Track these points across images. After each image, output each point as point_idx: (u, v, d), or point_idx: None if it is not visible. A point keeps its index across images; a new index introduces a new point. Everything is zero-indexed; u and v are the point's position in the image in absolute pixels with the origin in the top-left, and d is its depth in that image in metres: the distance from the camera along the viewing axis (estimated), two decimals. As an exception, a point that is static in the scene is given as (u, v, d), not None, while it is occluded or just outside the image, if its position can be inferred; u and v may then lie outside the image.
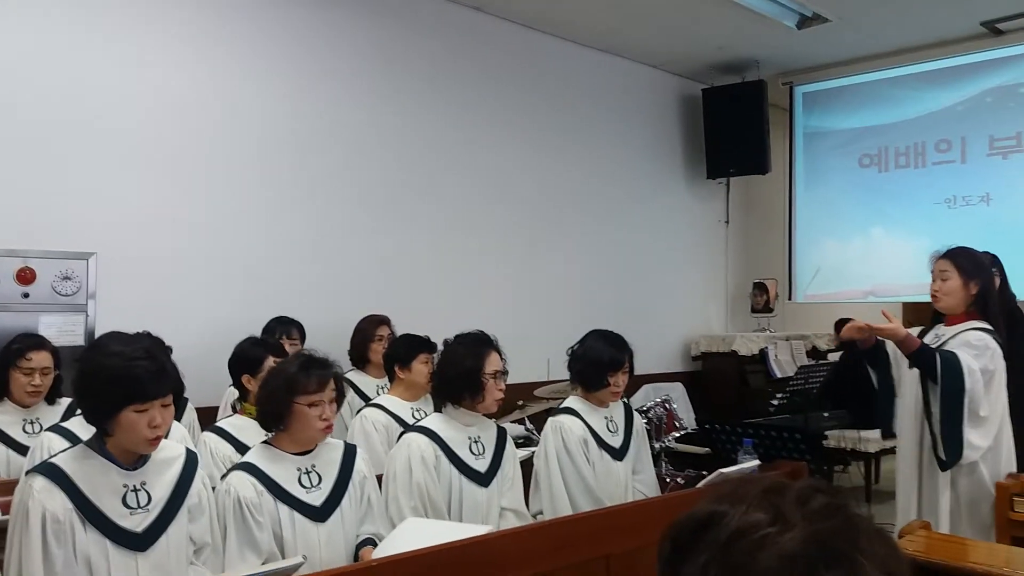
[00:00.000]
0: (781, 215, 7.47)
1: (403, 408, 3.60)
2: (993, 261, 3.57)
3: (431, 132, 5.48)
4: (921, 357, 3.07)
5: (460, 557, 2.22)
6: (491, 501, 2.88)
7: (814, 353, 7.20)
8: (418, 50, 5.44)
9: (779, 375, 6.57)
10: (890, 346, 3.25)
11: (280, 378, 2.47)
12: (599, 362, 3.12)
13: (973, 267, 3.20)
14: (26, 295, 3.93)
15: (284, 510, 2.40)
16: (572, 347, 3.23)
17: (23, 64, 3.97)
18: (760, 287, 7.37)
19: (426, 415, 3.14)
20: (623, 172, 6.69)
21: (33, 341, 3.27)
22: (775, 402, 5.33)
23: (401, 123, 5.34)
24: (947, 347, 3.14)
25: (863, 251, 6.94)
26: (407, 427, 3.08)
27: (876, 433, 5.67)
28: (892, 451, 5.85)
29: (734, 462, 3.35)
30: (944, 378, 3.01)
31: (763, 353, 6.74)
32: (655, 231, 6.93)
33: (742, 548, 0.75)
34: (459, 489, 2.82)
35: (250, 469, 2.42)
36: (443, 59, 5.56)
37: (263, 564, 2.21)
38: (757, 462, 3.10)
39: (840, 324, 6.69)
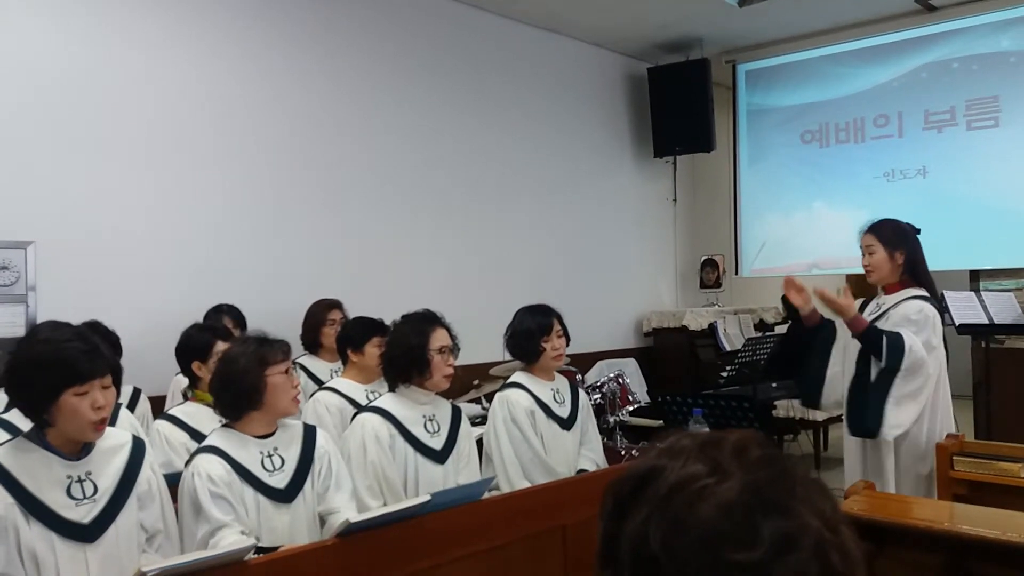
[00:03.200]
0: (727, 192, 7.58)
1: (357, 391, 3.59)
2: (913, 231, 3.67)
3: (377, 112, 5.42)
4: (868, 336, 3.15)
5: (416, 531, 2.23)
6: (447, 478, 2.89)
7: (761, 326, 7.35)
8: (362, 28, 5.37)
9: (728, 348, 6.69)
10: (840, 323, 3.34)
11: (246, 356, 2.45)
12: (529, 332, 3.24)
13: (896, 237, 3.29)
14: (-39, 287, 3.81)
15: (249, 493, 2.38)
16: (506, 329, 3.33)
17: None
18: (710, 263, 7.49)
19: (380, 397, 3.13)
20: (571, 152, 6.72)
21: None
22: (724, 374, 5.43)
23: (346, 102, 5.27)
24: (888, 316, 3.24)
25: (806, 225, 7.09)
26: (361, 409, 3.07)
27: (821, 402, 5.81)
28: (839, 419, 6.02)
29: (680, 433, 3.41)
30: (888, 358, 3.10)
31: (712, 327, 6.86)
32: (604, 210, 6.98)
33: (681, 500, 0.76)
34: (415, 467, 2.83)
35: (216, 452, 2.39)
36: (388, 38, 5.50)
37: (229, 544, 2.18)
38: (706, 430, 3.16)
39: (787, 297, 6.88)
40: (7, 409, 2.98)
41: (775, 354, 5.72)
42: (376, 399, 3.14)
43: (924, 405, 3.14)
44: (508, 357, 5.06)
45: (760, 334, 6.16)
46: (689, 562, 0.74)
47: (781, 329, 6.87)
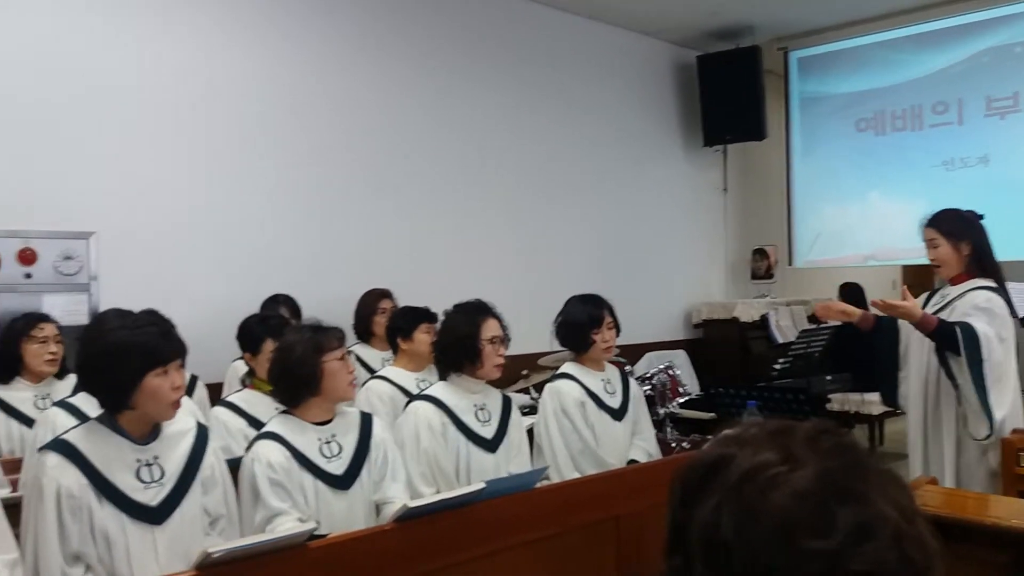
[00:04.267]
0: (779, 181, 7.45)
1: (408, 379, 3.63)
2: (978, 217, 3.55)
3: (429, 103, 5.46)
4: (942, 334, 3.03)
5: (470, 519, 2.25)
6: (498, 467, 2.91)
7: (815, 318, 7.21)
8: (415, 21, 5.40)
9: (780, 340, 6.59)
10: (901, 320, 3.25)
11: (303, 344, 2.49)
12: (579, 323, 3.21)
13: (959, 228, 3.18)
14: (28, 275, 3.94)
15: (308, 479, 2.42)
16: (556, 317, 3.30)
17: (22, 47, 3.94)
18: (760, 253, 7.38)
19: (431, 385, 3.17)
20: (620, 142, 6.67)
21: (37, 315, 3.35)
22: (777, 367, 5.35)
23: (400, 94, 5.31)
24: (954, 307, 3.13)
25: (862, 216, 6.94)
26: (412, 397, 3.11)
27: (878, 395, 5.70)
28: (895, 413, 5.90)
29: (737, 425, 3.37)
30: (967, 349, 3.01)
31: (764, 319, 6.76)
32: (654, 200, 6.92)
33: (753, 488, 0.76)
34: (466, 455, 2.85)
35: (276, 438, 2.44)
36: (440, 29, 5.53)
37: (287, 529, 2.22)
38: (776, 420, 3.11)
39: (844, 288, 6.76)
40: (74, 393, 3.10)
41: (830, 346, 5.63)
42: (427, 387, 3.17)
43: (1015, 388, 3.04)
44: (557, 347, 5.08)
45: (815, 326, 6.05)
46: (762, 549, 0.73)
47: (836, 321, 6.74)
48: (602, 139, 6.52)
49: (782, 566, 0.73)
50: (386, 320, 4.12)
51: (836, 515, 0.73)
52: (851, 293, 6.63)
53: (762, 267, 7.35)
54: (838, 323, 6.18)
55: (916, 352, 3.24)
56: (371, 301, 4.40)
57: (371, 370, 4.09)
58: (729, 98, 6.93)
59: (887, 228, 6.65)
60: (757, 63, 6.87)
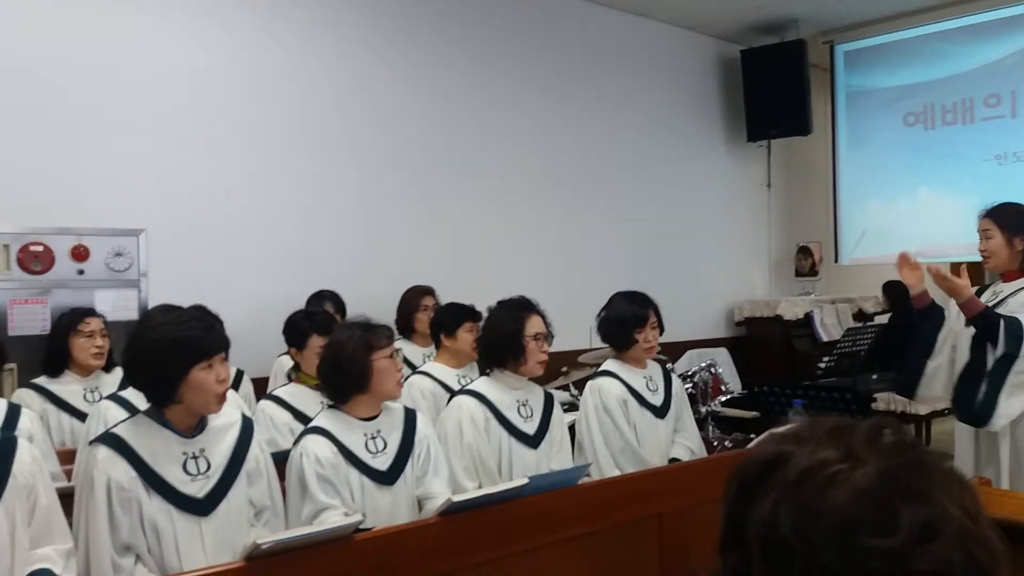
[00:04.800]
0: (824, 177, 7.33)
1: (449, 375, 3.64)
2: None
3: (469, 99, 5.47)
4: (984, 320, 2.99)
5: (513, 514, 2.25)
6: (540, 463, 2.91)
7: (860, 316, 7.09)
8: (455, 19, 5.42)
9: (825, 339, 6.49)
10: (951, 307, 3.19)
11: (353, 342, 2.51)
12: (623, 321, 3.18)
13: (1016, 222, 3.11)
14: (81, 272, 4.04)
15: (354, 474, 2.44)
16: (600, 312, 3.27)
17: (73, 47, 4.04)
18: (805, 251, 7.26)
19: (472, 382, 3.17)
20: (662, 137, 6.62)
21: (84, 309, 3.41)
22: (822, 365, 5.27)
23: (440, 91, 5.34)
24: (1005, 304, 3.08)
25: (910, 211, 6.79)
26: (454, 393, 3.12)
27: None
28: (943, 413, 5.76)
29: (783, 424, 3.33)
30: (1007, 343, 2.94)
31: (808, 317, 6.66)
32: (696, 196, 6.85)
33: (813, 486, 0.75)
34: (508, 450, 2.86)
35: (323, 433, 2.47)
36: (479, 26, 5.53)
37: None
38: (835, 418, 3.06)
39: (889, 286, 6.63)
40: (123, 387, 3.17)
41: (876, 345, 5.53)
42: (468, 383, 3.18)
43: None
44: (596, 344, 5.06)
45: (860, 324, 5.94)
46: (823, 547, 0.72)
47: (882, 319, 6.61)
48: (644, 135, 6.47)
49: (843, 565, 0.72)
50: (428, 317, 4.15)
51: (899, 513, 0.71)
52: (896, 291, 6.49)
53: (806, 264, 7.23)
54: (885, 321, 6.08)
55: (966, 342, 3.16)
56: (413, 298, 4.43)
57: (412, 366, 4.11)
58: (773, 93, 6.83)
59: (936, 224, 6.50)
60: (802, 57, 6.77)
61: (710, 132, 7.03)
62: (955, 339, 3.21)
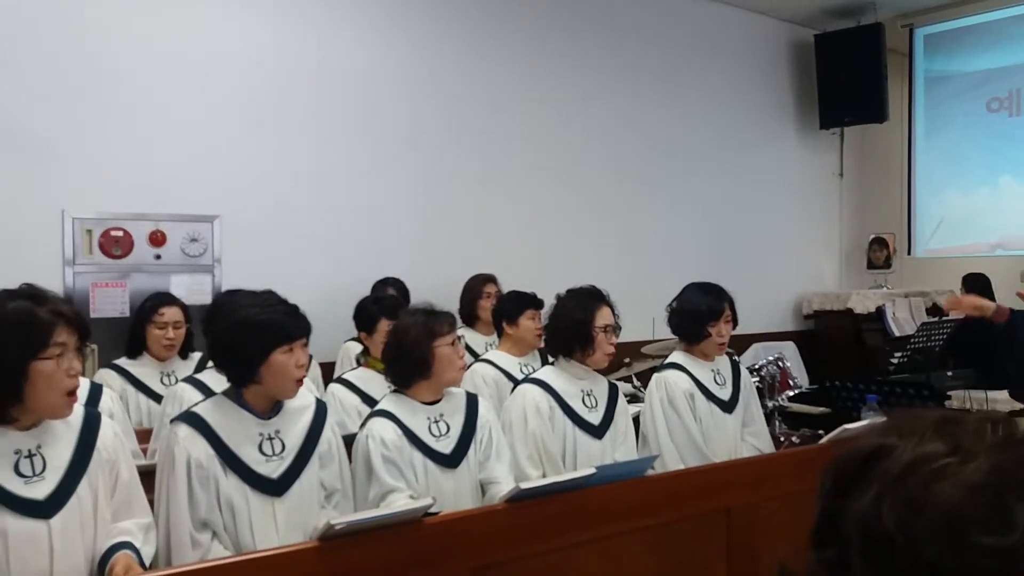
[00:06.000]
0: (899, 166, 7.10)
1: (512, 363, 3.65)
2: None
3: (537, 85, 5.45)
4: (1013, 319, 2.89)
5: (579, 503, 2.24)
6: (605, 454, 2.89)
7: (935, 310, 6.84)
8: (520, 6, 5.40)
9: (897, 334, 6.28)
10: None
11: (416, 328, 2.53)
12: (697, 313, 3.10)
13: None
14: (158, 256, 4.17)
15: (418, 457, 2.47)
16: (671, 303, 3.20)
17: (151, 39, 4.16)
18: (879, 242, 7.04)
19: (534, 371, 3.16)
20: (731, 124, 6.49)
21: (164, 298, 3.47)
22: (894, 361, 5.10)
23: (506, 77, 5.33)
24: None
25: (990, 201, 6.53)
26: (516, 382, 3.11)
27: (1004, 393, 5.37)
28: (1022, 413, 5.53)
29: (855, 420, 3.24)
30: None
31: (880, 311, 6.46)
32: (764, 184, 6.71)
33: (918, 480, 0.72)
34: (573, 440, 2.84)
35: (388, 416, 2.50)
36: (546, 14, 5.50)
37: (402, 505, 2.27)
38: (884, 418, 2.97)
39: (968, 280, 6.38)
40: (198, 370, 3.26)
41: (952, 340, 5.33)
42: (529, 373, 3.17)
43: None
44: (660, 336, 5.01)
45: (936, 319, 5.73)
46: (929, 543, 0.70)
47: (958, 314, 6.37)
48: (712, 122, 6.36)
49: (950, 562, 0.69)
50: (490, 304, 4.16)
51: (1013, 511, 0.68)
52: (976, 284, 6.23)
53: (880, 256, 7.00)
54: (962, 316, 5.86)
55: None
56: (476, 285, 4.45)
57: (475, 354, 4.13)
58: (848, 78, 6.63)
59: (1018, 215, 6.26)
60: (879, 41, 6.56)
61: (781, 120, 6.87)
62: None
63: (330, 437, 2.33)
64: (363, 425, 2.53)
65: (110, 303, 4.04)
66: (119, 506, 2.01)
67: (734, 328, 3.17)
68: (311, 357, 3.87)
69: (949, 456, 0.72)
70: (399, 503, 2.31)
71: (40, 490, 1.84)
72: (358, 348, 3.57)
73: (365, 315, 3.38)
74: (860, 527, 0.73)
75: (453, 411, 2.60)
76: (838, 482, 0.78)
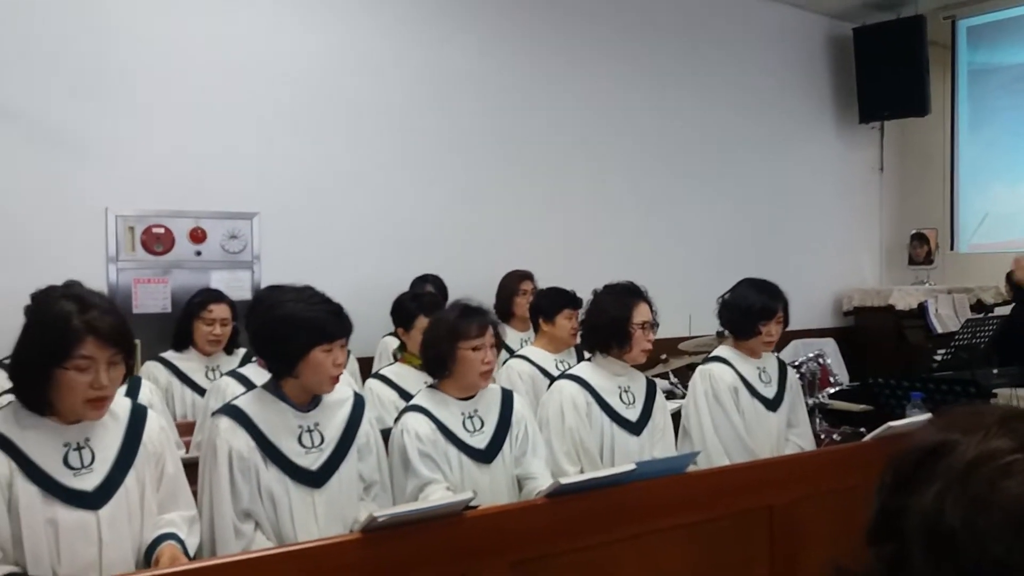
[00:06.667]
0: (941, 160, 6.97)
1: (547, 360, 3.64)
2: None
3: (572, 83, 5.44)
4: None
5: (619, 499, 2.23)
6: (643, 450, 2.87)
7: (979, 307, 6.70)
8: (555, 1, 5.38)
9: (940, 331, 6.16)
10: None
11: (443, 326, 2.55)
12: (750, 310, 3.07)
13: None
14: (198, 253, 4.23)
15: (452, 451, 2.48)
16: (722, 295, 3.16)
17: (191, 38, 4.21)
18: (920, 237, 6.91)
19: (569, 367, 3.15)
20: (769, 119, 6.41)
21: (213, 294, 3.52)
22: (938, 358, 5.00)
23: (542, 76, 5.32)
24: None
25: (1038, 196, 6.38)
26: (552, 378, 3.11)
27: (1053, 392, 5.24)
28: (1071, 412, 5.39)
29: (899, 418, 3.18)
30: None
31: (922, 307, 6.33)
32: (802, 179, 6.62)
33: (983, 476, 0.71)
34: (611, 436, 2.83)
35: (422, 411, 2.51)
36: (583, 9, 5.48)
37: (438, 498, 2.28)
38: (929, 416, 2.92)
39: (1012, 276, 6.23)
40: (242, 364, 3.30)
41: (998, 337, 5.22)
42: (565, 370, 3.16)
43: None
44: (696, 332, 4.96)
45: (980, 315, 5.61)
46: (995, 541, 0.68)
47: (1003, 311, 6.22)
48: (750, 117, 6.29)
49: (1019, 559, 0.67)
50: (527, 301, 4.16)
51: None
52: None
53: (921, 252, 6.87)
54: (1007, 313, 5.72)
55: None
56: (513, 282, 4.45)
57: (510, 351, 4.13)
58: (888, 72, 6.52)
59: (1067, 209, 6.09)
60: (921, 33, 6.45)
61: (820, 114, 6.77)
62: None
63: (368, 430, 2.34)
64: (397, 420, 2.55)
65: (152, 299, 4.11)
66: (164, 498, 2.04)
67: (785, 328, 3.13)
68: (349, 353, 3.93)
69: (1015, 452, 0.71)
70: (437, 495, 2.32)
71: (89, 482, 1.87)
72: (396, 343, 3.59)
73: (403, 312, 3.40)
74: (923, 524, 0.72)
75: (488, 407, 2.61)
76: (898, 478, 0.77)
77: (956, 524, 0.70)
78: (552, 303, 3.69)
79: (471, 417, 2.56)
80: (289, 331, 2.15)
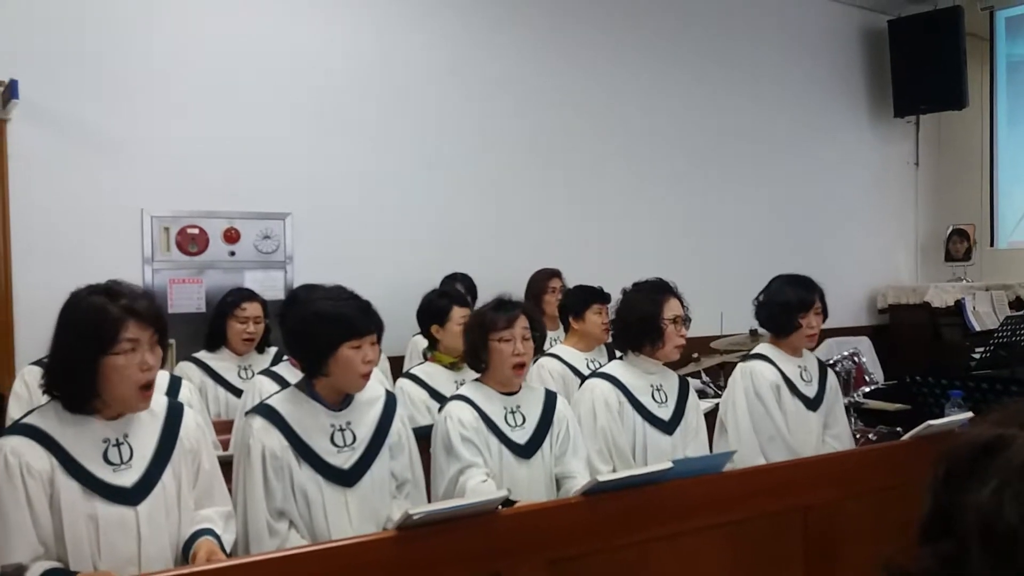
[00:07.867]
0: (979, 154, 6.83)
1: (578, 358, 3.63)
2: None
3: (604, 79, 5.42)
4: None
5: (655, 498, 2.21)
6: (676, 449, 2.84)
7: (1018, 304, 6.56)
8: (588, -1, 5.38)
9: (978, 328, 6.04)
10: None
11: (476, 319, 2.61)
12: (787, 304, 3.04)
13: None
14: (232, 253, 4.27)
15: (494, 443, 2.50)
16: (757, 296, 3.13)
17: (227, 41, 4.27)
18: (959, 233, 6.77)
19: (600, 366, 3.13)
20: (802, 114, 6.34)
21: (246, 293, 3.55)
22: (976, 356, 4.91)
23: (576, 73, 5.31)
24: None
25: (1080, 191, 6.23)
26: (582, 376, 3.09)
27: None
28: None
29: (937, 417, 3.12)
30: None
31: (959, 305, 6.22)
32: (836, 174, 6.53)
33: None
34: (643, 435, 2.80)
35: (467, 400, 2.55)
36: (618, 6, 5.46)
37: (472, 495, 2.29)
38: (969, 415, 2.86)
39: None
40: (274, 363, 3.33)
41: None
42: (597, 367, 3.14)
43: None
44: (728, 331, 4.91)
45: (1020, 313, 5.49)
46: None
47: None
48: (782, 110, 6.22)
49: None
50: (556, 299, 4.16)
51: None
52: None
53: (960, 248, 6.74)
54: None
55: None
56: (541, 280, 4.44)
57: (541, 349, 4.12)
58: (924, 65, 6.41)
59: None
60: (958, 25, 6.33)
61: (853, 108, 6.68)
62: None
63: (400, 428, 2.35)
64: (441, 409, 2.59)
65: (187, 299, 4.15)
66: (201, 494, 2.06)
67: (825, 320, 3.09)
68: (381, 352, 3.94)
69: None
70: (475, 480, 2.36)
71: (128, 478, 1.90)
72: (425, 343, 3.59)
73: (434, 308, 3.39)
74: (979, 521, 0.70)
75: (530, 404, 2.63)
76: (952, 474, 0.75)
77: (1015, 521, 0.68)
78: (580, 300, 3.68)
79: (513, 412, 2.58)
80: (317, 328, 2.17)
